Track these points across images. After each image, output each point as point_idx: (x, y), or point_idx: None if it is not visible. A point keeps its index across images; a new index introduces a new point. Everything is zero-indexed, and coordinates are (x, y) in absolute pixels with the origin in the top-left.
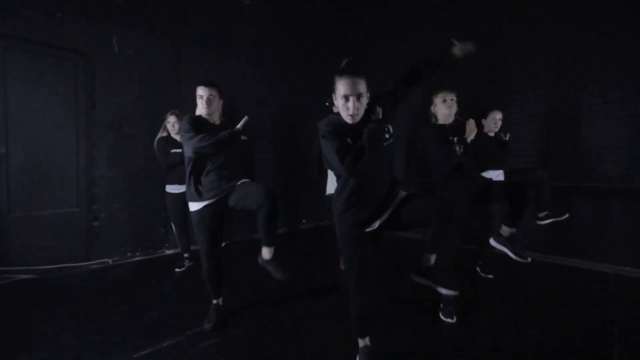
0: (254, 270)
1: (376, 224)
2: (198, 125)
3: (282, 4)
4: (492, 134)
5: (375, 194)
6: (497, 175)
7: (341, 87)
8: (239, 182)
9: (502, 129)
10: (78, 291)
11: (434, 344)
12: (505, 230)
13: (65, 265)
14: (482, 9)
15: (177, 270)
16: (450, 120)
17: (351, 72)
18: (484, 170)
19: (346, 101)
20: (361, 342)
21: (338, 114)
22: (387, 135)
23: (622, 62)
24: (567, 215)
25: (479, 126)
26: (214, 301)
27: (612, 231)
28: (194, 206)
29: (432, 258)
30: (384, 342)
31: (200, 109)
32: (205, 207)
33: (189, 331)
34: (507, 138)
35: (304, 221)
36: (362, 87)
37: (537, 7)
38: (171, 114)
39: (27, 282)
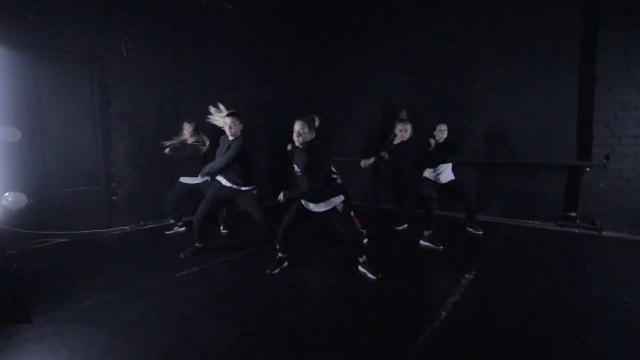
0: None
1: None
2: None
3: (259, 7)
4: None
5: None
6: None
7: (295, 125)
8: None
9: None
10: (112, 248)
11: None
12: (426, 232)
13: (92, 231)
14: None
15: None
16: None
17: (300, 117)
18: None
19: (297, 135)
20: (363, 258)
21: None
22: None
23: None
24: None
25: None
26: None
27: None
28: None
29: None
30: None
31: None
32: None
33: (209, 263)
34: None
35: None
36: (305, 128)
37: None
38: (188, 122)
39: (62, 244)
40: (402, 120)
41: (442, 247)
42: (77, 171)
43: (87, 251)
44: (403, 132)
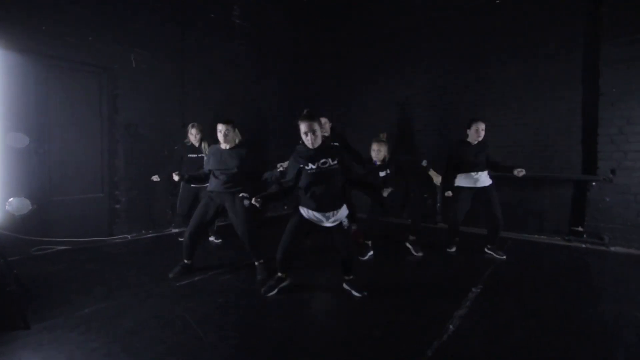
0: None
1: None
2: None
3: (265, 23)
4: (475, 143)
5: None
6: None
7: (302, 126)
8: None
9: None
10: (114, 256)
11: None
12: (411, 237)
13: (93, 239)
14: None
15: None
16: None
17: (309, 117)
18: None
19: (306, 135)
20: (349, 276)
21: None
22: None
23: None
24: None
25: (465, 135)
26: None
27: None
28: None
29: None
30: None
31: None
32: None
33: (211, 272)
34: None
35: (285, 207)
36: (316, 126)
37: None
38: (192, 126)
39: (64, 251)
40: (378, 141)
41: (421, 254)
42: (81, 178)
43: (88, 259)
44: (376, 152)
